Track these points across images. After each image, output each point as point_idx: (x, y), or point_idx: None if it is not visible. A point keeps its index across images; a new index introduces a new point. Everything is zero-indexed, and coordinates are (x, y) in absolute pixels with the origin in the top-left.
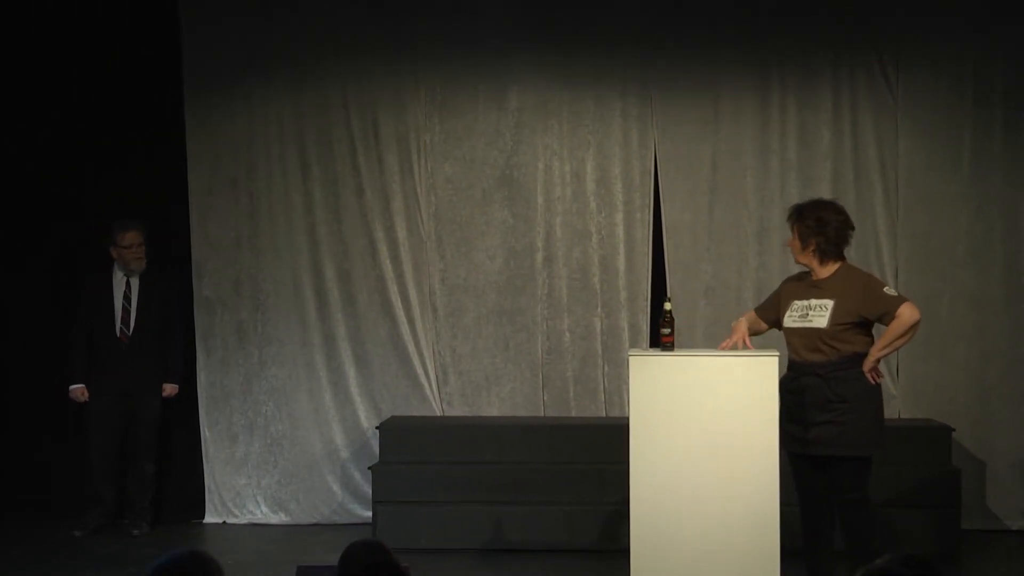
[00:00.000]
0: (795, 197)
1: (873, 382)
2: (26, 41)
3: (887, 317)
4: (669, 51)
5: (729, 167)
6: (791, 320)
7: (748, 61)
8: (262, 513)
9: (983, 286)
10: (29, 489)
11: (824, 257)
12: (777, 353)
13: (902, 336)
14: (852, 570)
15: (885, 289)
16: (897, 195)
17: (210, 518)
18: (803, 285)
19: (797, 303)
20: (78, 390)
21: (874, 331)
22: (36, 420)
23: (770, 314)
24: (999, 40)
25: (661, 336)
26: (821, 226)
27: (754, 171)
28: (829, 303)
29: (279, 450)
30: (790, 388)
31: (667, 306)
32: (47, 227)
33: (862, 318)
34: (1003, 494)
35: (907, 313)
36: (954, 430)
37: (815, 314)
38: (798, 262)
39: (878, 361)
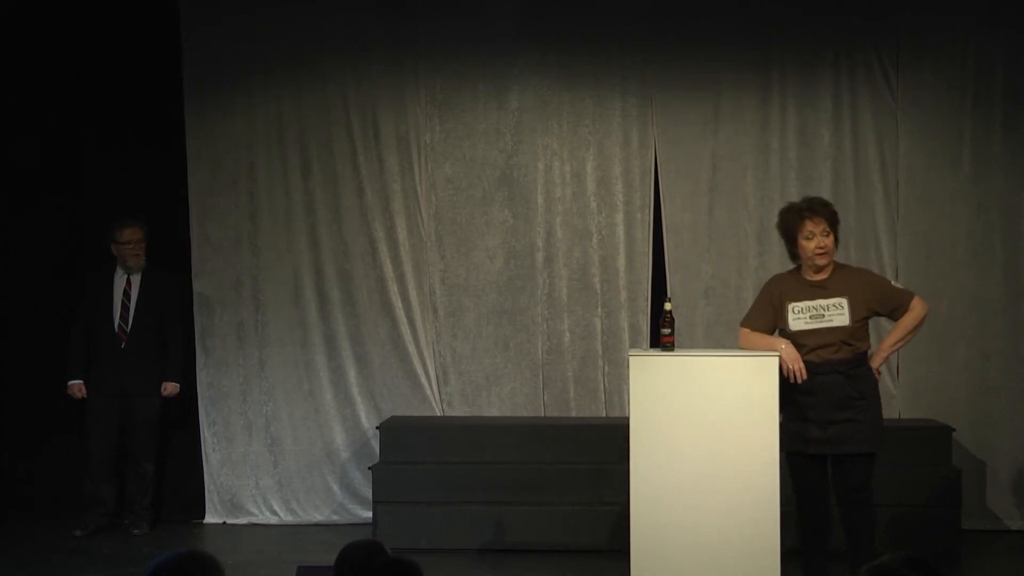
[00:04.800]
0: (795, 197)
1: (878, 377)
2: (27, 41)
3: (900, 311)
4: (669, 51)
5: (729, 167)
6: (801, 323)
7: (748, 61)
8: (262, 513)
9: (983, 286)
10: (29, 489)
11: (832, 257)
12: (777, 353)
13: (915, 329)
14: (852, 568)
15: (893, 283)
16: (897, 195)
17: (210, 518)
18: (798, 287)
19: (798, 304)
20: (75, 386)
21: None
22: (36, 419)
23: (768, 323)
24: (999, 40)
25: (661, 336)
26: (838, 225)
27: (754, 171)
28: (843, 301)
29: (279, 450)
30: (802, 388)
31: (667, 306)
32: (48, 226)
33: (873, 314)
34: (1003, 494)
35: (920, 306)
36: (954, 430)
37: (832, 313)
38: (820, 264)
39: (888, 357)
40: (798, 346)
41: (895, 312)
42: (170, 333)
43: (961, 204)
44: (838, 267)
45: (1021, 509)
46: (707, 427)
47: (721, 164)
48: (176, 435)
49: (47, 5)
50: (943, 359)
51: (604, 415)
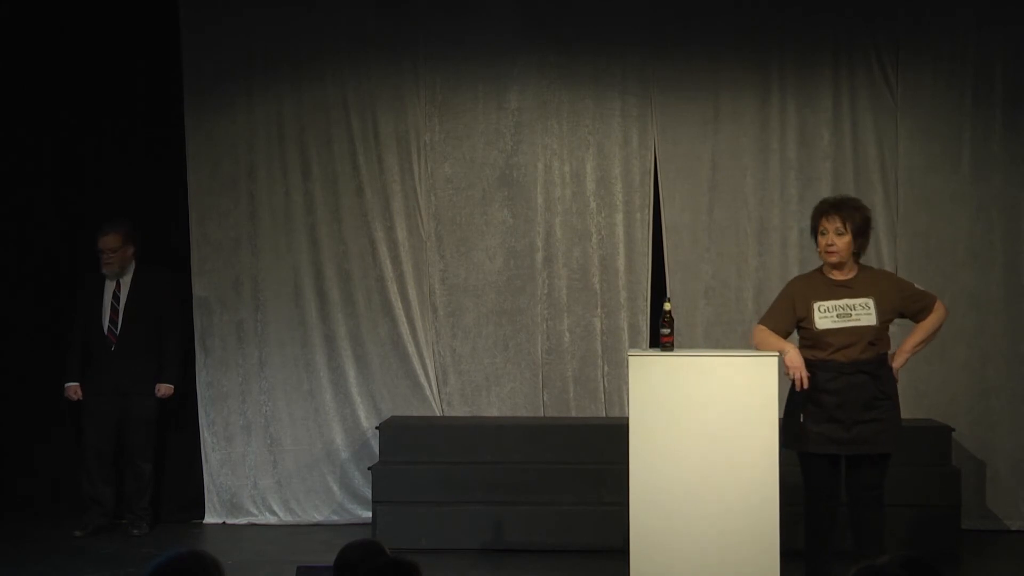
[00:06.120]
0: (795, 197)
1: (897, 378)
2: (26, 41)
3: (925, 312)
4: (669, 51)
5: (729, 167)
6: (828, 321)
7: (748, 61)
8: (262, 513)
9: (983, 286)
10: (29, 489)
11: (856, 258)
12: (777, 353)
13: (936, 331)
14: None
15: (916, 285)
16: (897, 195)
17: (210, 518)
18: (823, 286)
19: (825, 304)
20: (72, 388)
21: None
22: (35, 420)
23: (785, 325)
24: (999, 40)
25: (661, 336)
26: (867, 227)
27: (754, 171)
28: (869, 301)
29: (279, 450)
30: (828, 388)
31: (667, 306)
32: (46, 226)
33: (899, 315)
34: (1003, 494)
35: (942, 308)
36: (954, 430)
37: (860, 312)
38: (832, 262)
39: (909, 358)
40: (823, 345)
41: (920, 314)
42: (166, 333)
43: (961, 204)
44: (863, 268)
45: (1021, 509)
46: (707, 427)
47: (721, 164)
48: (175, 435)
49: (47, 5)
50: (943, 359)
51: (604, 415)
